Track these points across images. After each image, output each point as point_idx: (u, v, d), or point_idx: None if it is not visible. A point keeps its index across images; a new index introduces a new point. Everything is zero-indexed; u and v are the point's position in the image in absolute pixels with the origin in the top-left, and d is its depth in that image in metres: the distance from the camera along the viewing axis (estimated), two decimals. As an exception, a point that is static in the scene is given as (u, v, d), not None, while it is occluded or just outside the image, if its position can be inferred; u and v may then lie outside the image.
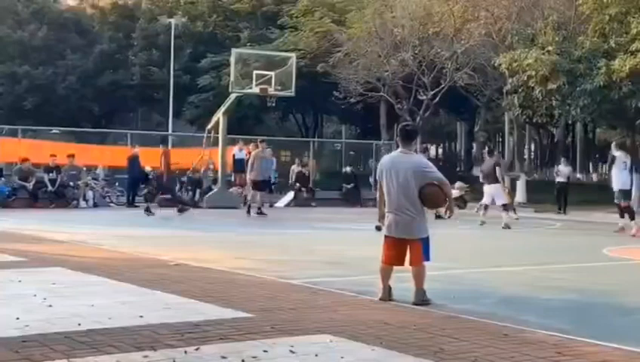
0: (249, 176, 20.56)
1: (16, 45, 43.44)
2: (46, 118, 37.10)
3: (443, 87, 31.63)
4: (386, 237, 7.49)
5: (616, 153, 17.22)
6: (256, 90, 23.99)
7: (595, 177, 50.93)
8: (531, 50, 25.28)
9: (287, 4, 38.84)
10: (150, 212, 19.53)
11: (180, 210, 19.84)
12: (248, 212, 20.48)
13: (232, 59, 24.83)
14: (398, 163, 7.44)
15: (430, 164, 7.75)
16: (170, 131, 37.95)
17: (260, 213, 20.26)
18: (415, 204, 7.30)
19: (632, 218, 16.87)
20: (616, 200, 17.09)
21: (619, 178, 16.84)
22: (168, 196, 21.85)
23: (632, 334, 6.30)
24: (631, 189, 17.10)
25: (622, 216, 17.23)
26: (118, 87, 43.93)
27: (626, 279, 10.22)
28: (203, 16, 43.35)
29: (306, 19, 35.70)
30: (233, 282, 8.39)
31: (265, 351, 5.10)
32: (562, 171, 26.47)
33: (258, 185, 20.49)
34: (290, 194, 26.35)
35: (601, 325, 6.80)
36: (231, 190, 24.97)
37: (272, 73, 24.01)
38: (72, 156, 23.22)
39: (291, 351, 5.14)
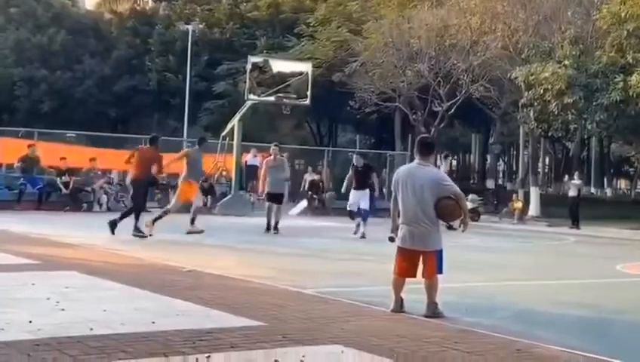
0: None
1: (35, 49, 43.72)
2: (63, 121, 37.20)
3: (458, 99, 31.58)
4: (399, 248, 7.46)
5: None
6: (271, 97, 24.04)
7: (609, 192, 50.72)
8: (548, 64, 25.23)
9: (304, 12, 38.94)
10: None
11: None
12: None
13: (249, 67, 24.92)
14: (414, 174, 7.42)
15: (447, 177, 7.73)
16: (185, 137, 38.03)
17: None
18: (430, 216, 7.27)
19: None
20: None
21: None
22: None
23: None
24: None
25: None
26: (135, 93, 44.08)
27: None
28: (220, 23, 43.52)
29: (323, 29, 35.78)
30: (245, 290, 8.39)
31: (276, 360, 5.10)
32: (575, 184, 26.35)
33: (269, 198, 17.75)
34: (304, 203, 26.29)
35: (614, 342, 6.76)
36: (242, 194, 24.94)
37: (288, 81, 24.10)
38: (93, 160, 23.31)
39: (302, 361, 5.13)
